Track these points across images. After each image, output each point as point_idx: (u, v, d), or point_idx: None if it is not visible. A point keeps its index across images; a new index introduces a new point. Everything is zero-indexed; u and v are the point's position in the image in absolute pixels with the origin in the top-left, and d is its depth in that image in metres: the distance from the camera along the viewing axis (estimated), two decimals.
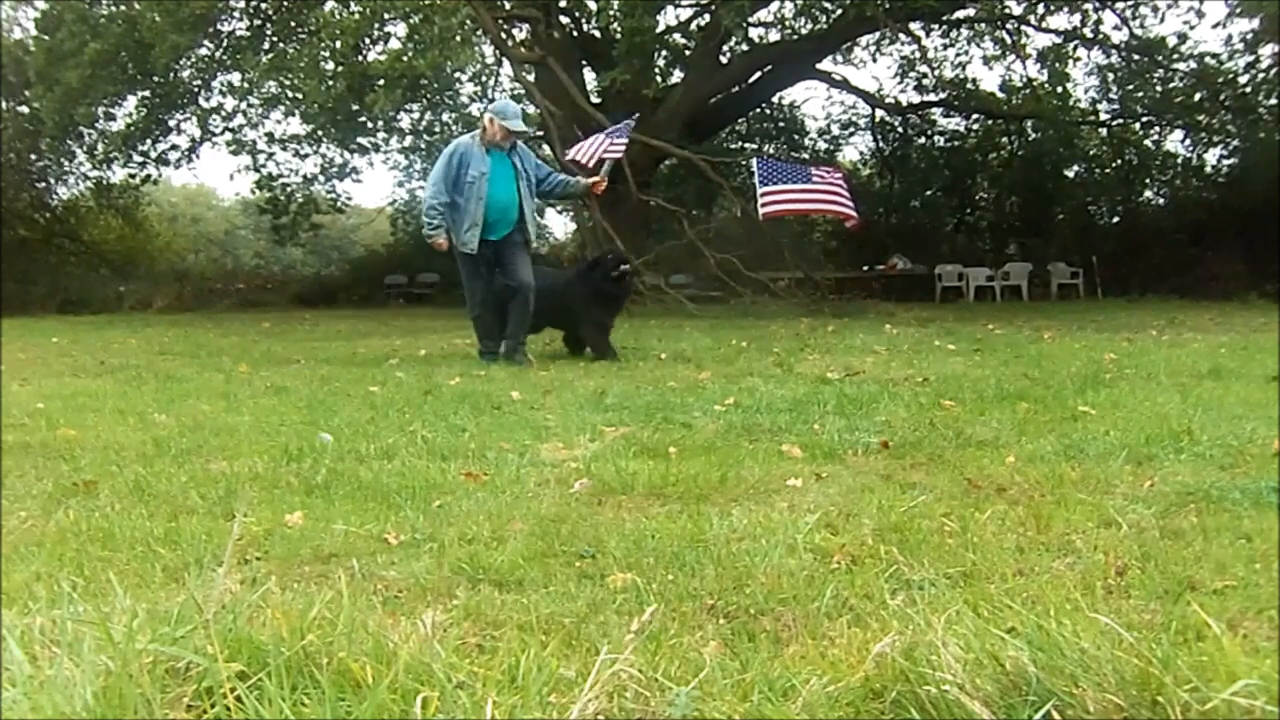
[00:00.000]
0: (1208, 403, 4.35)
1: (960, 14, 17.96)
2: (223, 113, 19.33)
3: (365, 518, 2.65)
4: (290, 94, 16.01)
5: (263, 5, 16.92)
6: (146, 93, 18.12)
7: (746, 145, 21.93)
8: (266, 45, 16.70)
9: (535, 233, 6.99)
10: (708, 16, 17.17)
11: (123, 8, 16.57)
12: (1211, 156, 20.08)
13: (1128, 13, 17.97)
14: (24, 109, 19.18)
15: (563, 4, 16.99)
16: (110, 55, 16.02)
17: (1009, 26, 18.80)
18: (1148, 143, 20.72)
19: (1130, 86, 19.73)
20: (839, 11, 16.53)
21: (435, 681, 1.35)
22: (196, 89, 18.63)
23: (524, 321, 6.89)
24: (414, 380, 5.90)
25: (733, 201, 15.65)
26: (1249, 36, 17.93)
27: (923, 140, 22.35)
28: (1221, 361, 5.95)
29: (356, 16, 14.45)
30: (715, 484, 2.98)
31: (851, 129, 23.02)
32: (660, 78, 18.32)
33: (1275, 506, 2.54)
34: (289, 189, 20.56)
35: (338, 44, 14.18)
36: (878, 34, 18.05)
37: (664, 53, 18.84)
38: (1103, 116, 20.87)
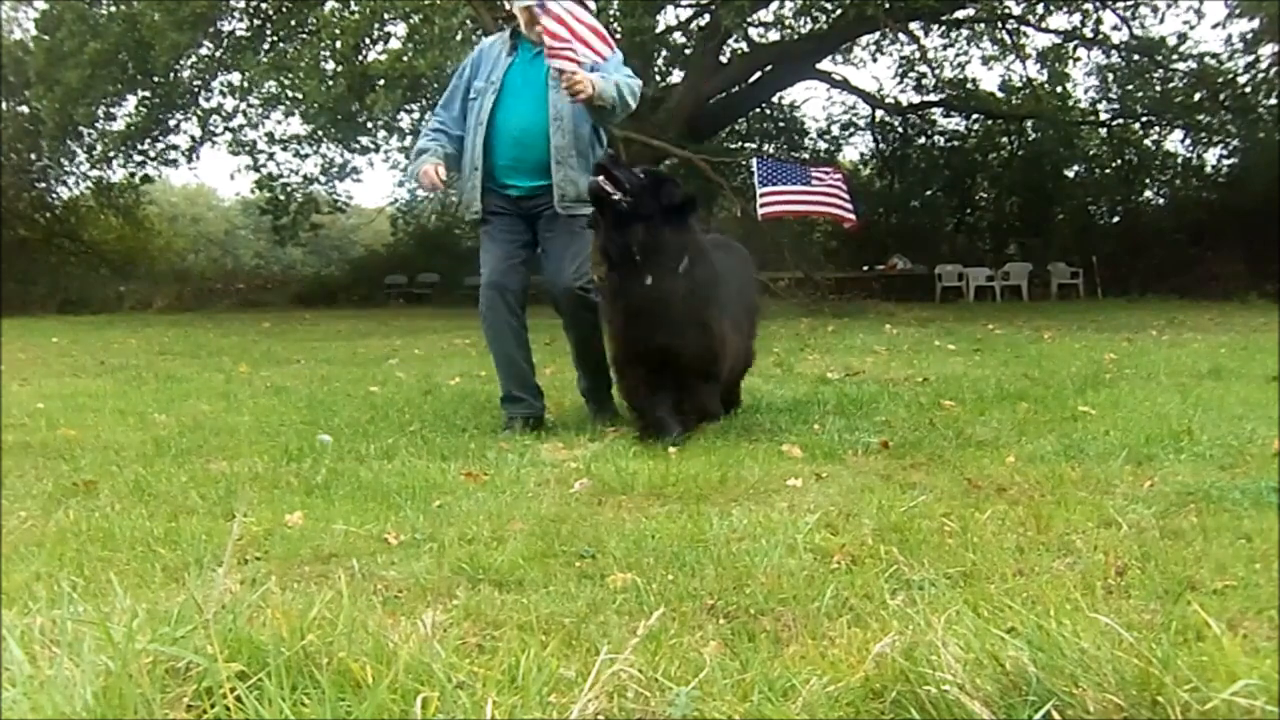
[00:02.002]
0: (1208, 403, 4.34)
1: (960, 14, 17.96)
2: (223, 113, 19.37)
3: (365, 518, 2.65)
4: (290, 94, 16.02)
5: (263, 5, 16.93)
6: (146, 93, 18.12)
7: (746, 145, 21.91)
8: (266, 45, 16.71)
9: (576, 185, 3.91)
10: (708, 16, 17.18)
11: (123, 8, 16.58)
12: (1211, 156, 20.14)
13: (1128, 13, 17.99)
14: (24, 109, 19.19)
15: None
16: (110, 55, 16.04)
17: (1009, 26, 18.81)
18: (1148, 143, 20.75)
19: (1130, 86, 19.75)
20: (839, 11, 16.54)
21: (435, 681, 1.35)
22: (196, 89, 18.64)
23: (586, 355, 4.19)
24: (414, 380, 5.90)
25: (733, 201, 15.66)
26: (1249, 36, 17.96)
27: (923, 140, 22.36)
28: (1221, 361, 5.95)
29: (356, 16, 14.45)
30: (715, 484, 2.98)
31: (851, 129, 23.06)
32: (660, 78, 18.32)
33: (1275, 506, 2.54)
34: (289, 189, 20.57)
35: (338, 44, 14.20)
36: (878, 34, 18.05)
37: (664, 53, 18.84)
38: (1103, 116, 20.89)
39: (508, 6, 4.23)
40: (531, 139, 3.92)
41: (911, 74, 20.94)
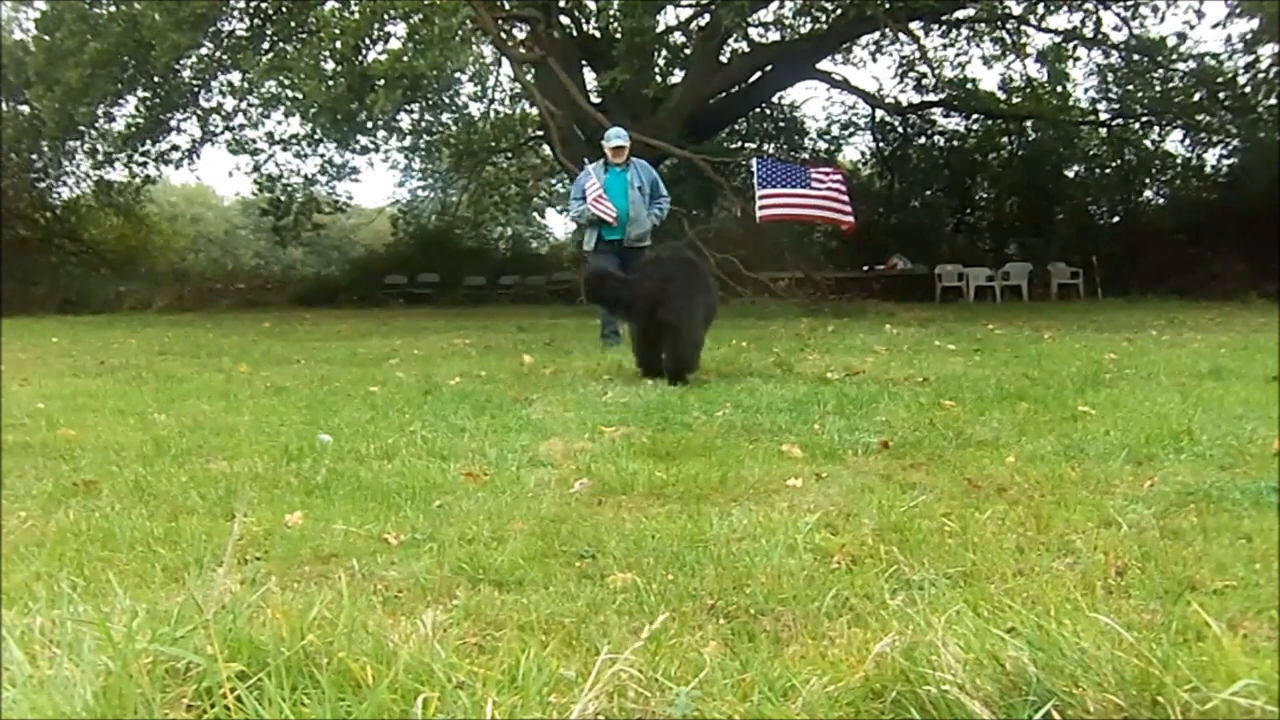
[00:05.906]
0: (1208, 403, 4.34)
1: (960, 14, 17.95)
2: (223, 113, 19.35)
3: (365, 518, 2.65)
4: (290, 94, 16.00)
5: (263, 5, 16.92)
6: (147, 93, 18.10)
7: (746, 145, 21.90)
8: (266, 45, 16.70)
9: (642, 232, 8.14)
10: (708, 16, 17.18)
11: (123, 8, 16.54)
12: (1211, 156, 20.09)
13: (1128, 13, 17.97)
14: (24, 109, 19.17)
15: (563, 4, 16.99)
16: (110, 55, 16.00)
17: (1009, 26, 18.80)
18: (1148, 143, 20.71)
19: (1130, 86, 19.73)
20: (839, 11, 16.54)
21: (435, 681, 1.35)
22: (196, 89, 18.61)
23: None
24: (414, 380, 5.89)
25: (733, 201, 15.66)
26: (1249, 36, 17.93)
27: (923, 140, 22.34)
28: (1221, 361, 5.95)
29: (356, 17, 14.43)
30: (715, 484, 2.98)
31: (851, 129, 23.03)
32: (660, 78, 18.32)
33: (1275, 506, 2.54)
34: (290, 189, 20.57)
35: (338, 44, 14.17)
36: (878, 34, 18.04)
37: (664, 53, 18.83)
38: (1103, 116, 20.86)
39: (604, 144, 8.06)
40: (621, 214, 7.89)
41: (911, 74, 20.90)
